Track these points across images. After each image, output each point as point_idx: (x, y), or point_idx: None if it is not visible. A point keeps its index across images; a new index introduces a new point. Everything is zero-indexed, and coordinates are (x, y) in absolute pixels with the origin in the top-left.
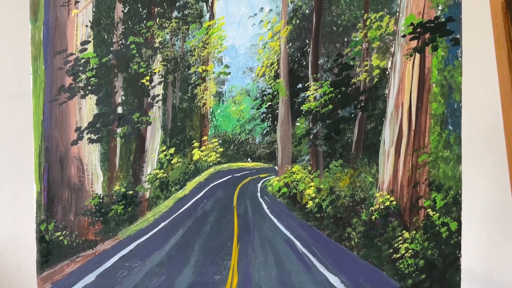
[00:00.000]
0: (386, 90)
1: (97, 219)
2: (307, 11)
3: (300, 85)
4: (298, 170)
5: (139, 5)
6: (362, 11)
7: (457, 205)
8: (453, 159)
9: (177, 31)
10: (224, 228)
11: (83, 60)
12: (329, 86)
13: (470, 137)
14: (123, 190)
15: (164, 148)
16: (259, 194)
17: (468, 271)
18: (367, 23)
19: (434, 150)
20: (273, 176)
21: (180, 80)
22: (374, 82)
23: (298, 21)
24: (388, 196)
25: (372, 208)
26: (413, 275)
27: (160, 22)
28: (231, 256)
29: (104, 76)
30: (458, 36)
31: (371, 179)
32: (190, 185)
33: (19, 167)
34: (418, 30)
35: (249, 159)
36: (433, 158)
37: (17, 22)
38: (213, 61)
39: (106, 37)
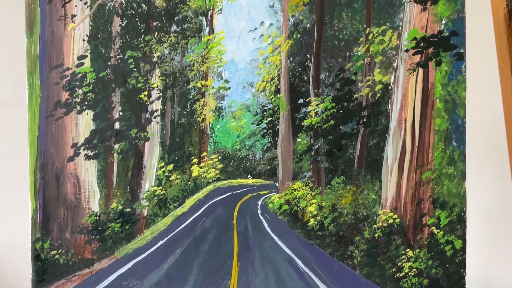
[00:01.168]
0: (389, 106)
1: (93, 237)
2: (308, 25)
3: (301, 100)
4: (299, 187)
5: (137, 19)
6: (364, 25)
7: (461, 222)
8: (458, 176)
9: (176, 45)
10: (223, 246)
11: (80, 75)
12: (330, 101)
13: (475, 154)
14: (120, 207)
15: (162, 164)
16: (259, 212)
17: None
18: (370, 37)
19: (438, 167)
20: (274, 193)
21: (179, 95)
22: (376, 97)
23: (299, 36)
24: (391, 214)
25: (375, 226)
26: None
27: (158, 36)
28: (231, 275)
29: (101, 91)
30: (462, 51)
31: (374, 196)
32: (189, 202)
33: (14, 183)
34: (422, 44)
35: (249, 176)
36: (437, 175)
37: (13, 36)
38: (212, 76)
39: (103, 51)
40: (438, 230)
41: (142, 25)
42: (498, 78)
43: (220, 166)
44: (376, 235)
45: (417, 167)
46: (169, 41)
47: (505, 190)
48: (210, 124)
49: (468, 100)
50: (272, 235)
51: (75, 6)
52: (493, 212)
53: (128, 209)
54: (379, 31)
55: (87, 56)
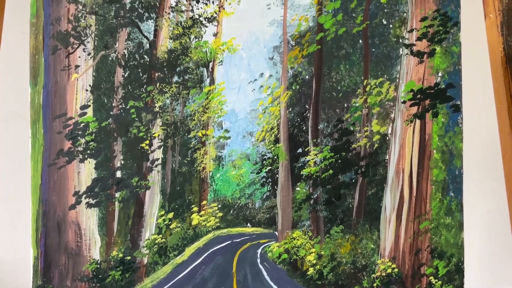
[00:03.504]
0: (387, 156)
1: (94, 285)
2: (306, 77)
3: (300, 150)
4: (298, 236)
5: (139, 70)
6: (362, 77)
7: (459, 272)
8: (455, 226)
9: (177, 95)
10: None
11: (83, 124)
12: (329, 151)
13: (472, 204)
14: (121, 255)
15: (162, 212)
16: (259, 260)
17: None
18: (367, 89)
19: (436, 217)
20: (273, 242)
21: (180, 144)
22: (374, 147)
23: (298, 87)
24: (389, 263)
25: (373, 275)
26: None
27: (160, 86)
28: None
29: (104, 140)
30: (459, 103)
31: (372, 246)
32: (189, 250)
33: (17, 233)
34: (418, 96)
35: (248, 224)
36: (435, 225)
37: (17, 85)
38: (213, 126)
39: (106, 101)
40: (436, 280)
41: (144, 76)
42: (494, 129)
43: (220, 214)
44: (374, 284)
45: (415, 217)
46: (170, 92)
47: (503, 240)
48: (210, 173)
49: (464, 151)
50: (272, 284)
51: (79, 57)
52: (491, 262)
53: (129, 257)
54: (377, 83)
55: (89, 105)
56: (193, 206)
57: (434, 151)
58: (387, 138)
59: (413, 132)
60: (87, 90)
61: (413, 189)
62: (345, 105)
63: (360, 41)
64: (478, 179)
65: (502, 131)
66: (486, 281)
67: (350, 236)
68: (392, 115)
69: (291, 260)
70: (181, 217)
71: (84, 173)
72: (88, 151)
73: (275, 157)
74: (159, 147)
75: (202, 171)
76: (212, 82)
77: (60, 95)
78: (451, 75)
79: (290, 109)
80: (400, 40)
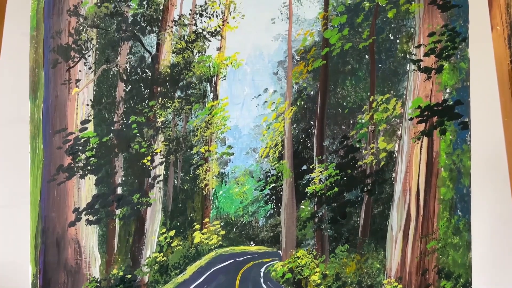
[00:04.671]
0: (393, 174)
1: None
2: (312, 93)
3: (304, 167)
4: (302, 255)
5: (141, 85)
6: (368, 93)
7: None
8: (463, 245)
9: (180, 111)
10: None
11: (83, 139)
12: (334, 169)
13: (480, 224)
14: (121, 273)
15: (164, 230)
16: (262, 280)
17: None
18: (373, 105)
19: (443, 236)
20: (277, 261)
21: (182, 160)
22: (381, 165)
23: (302, 102)
24: (396, 284)
25: None
26: None
27: (162, 101)
28: None
29: (104, 156)
30: (467, 120)
31: (378, 265)
32: (191, 269)
33: (16, 248)
34: (426, 113)
35: (252, 243)
36: (442, 245)
37: (16, 100)
38: (216, 142)
39: (107, 116)
40: None
41: (146, 91)
42: (503, 147)
43: (223, 232)
44: None
45: (422, 236)
46: (173, 107)
47: (511, 259)
48: (213, 190)
49: (473, 169)
50: None
51: (80, 71)
52: (499, 283)
53: (129, 276)
54: (383, 99)
55: (90, 120)
56: (195, 223)
57: (442, 169)
58: (394, 155)
59: (420, 149)
60: (87, 105)
61: (420, 208)
62: (351, 121)
63: (367, 56)
64: (486, 197)
65: (509, 145)
66: None
67: (356, 256)
68: (399, 132)
69: (295, 280)
70: (183, 235)
71: (84, 189)
72: (89, 167)
73: (279, 174)
74: (161, 163)
75: (205, 188)
76: (215, 97)
77: (60, 110)
78: (459, 92)
79: (294, 125)
80: (407, 56)
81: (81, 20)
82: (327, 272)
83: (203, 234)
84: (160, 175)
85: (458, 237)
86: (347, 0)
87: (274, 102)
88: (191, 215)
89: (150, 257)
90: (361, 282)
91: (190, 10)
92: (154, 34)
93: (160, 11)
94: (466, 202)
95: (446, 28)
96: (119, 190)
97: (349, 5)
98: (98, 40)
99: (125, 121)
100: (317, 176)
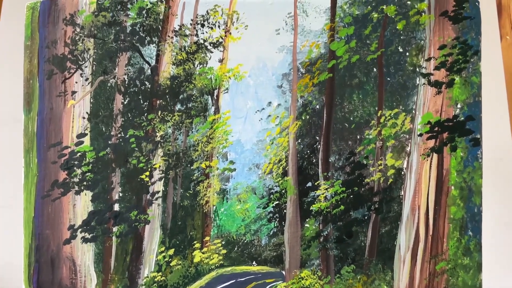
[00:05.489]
0: (402, 192)
1: None
2: (317, 107)
3: (309, 184)
4: (307, 276)
5: (140, 97)
6: (376, 108)
7: None
8: (473, 267)
9: (180, 124)
10: None
11: (79, 153)
12: (340, 186)
13: (492, 244)
14: None
15: (163, 249)
16: None
17: None
18: (381, 120)
19: (453, 257)
20: (280, 282)
21: (182, 176)
22: (388, 182)
23: (308, 117)
24: None
25: None
26: None
27: (162, 115)
28: None
29: (101, 171)
30: (478, 136)
31: (385, 287)
32: None
33: (8, 266)
34: (436, 129)
35: (254, 263)
36: (452, 266)
37: (10, 112)
38: (217, 157)
39: (104, 129)
40: None
41: (145, 103)
42: None
43: (224, 251)
44: None
45: (431, 257)
46: (173, 120)
47: None
48: (214, 207)
49: (484, 187)
50: None
51: (76, 82)
52: None
53: None
54: (392, 114)
55: (86, 134)
56: (195, 242)
57: (452, 187)
58: (402, 172)
59: (430, 166)
60: (84, 118)
61: (429, 227)
62: (358, 137)
63: (375, 69)
64: (498, 217)
65: None
66: None
67: (362, 277)
68: (408, 149)
69: None
70: (182, 254)
71: (80, 205)
72: (85, 183)
73: (283, 191)
74: (160, 179)
75: (205, 205)
76: (217, 110)
77: (56, 123)
78: (471, 107)
79: (299, 140)
80: (417, 69)
81: (78, 30)
82: None
83: (203, 253)
84: (159, 191)
85: (469, 258)
86: (354, 11)
87: (278, 116)
88: (191, 233)
89: (148, 277)
90: None
91: (191, 20)
92: (154, 44)
93: (160, 21)
94: (477, 222)
95: (457, 41)
96: (116, 207)
97: (356, 16)
98: (95, 50)
99: (123, 135)
100: (323, 194)
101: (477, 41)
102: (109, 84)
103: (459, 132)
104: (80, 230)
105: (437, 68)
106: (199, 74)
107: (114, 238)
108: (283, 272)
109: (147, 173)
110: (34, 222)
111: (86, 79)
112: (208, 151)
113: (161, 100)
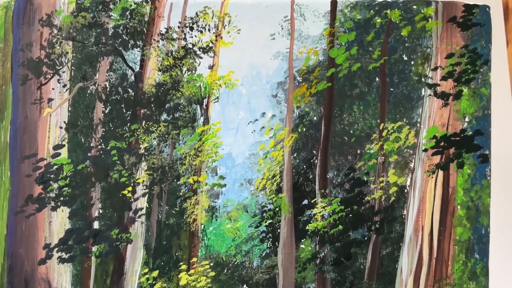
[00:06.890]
0: (405, 211)
1: None
2: (315, 118)
3: (305, 202)
4: None
5: (122, 106)
6: (378, 121)
7: None
8: None
9: (166, 136)
10: None
11: (56, 166)
12: (339, 204)
13: (499, 268)
14: None
15: (146, 270)
16: None
17: None
18: (384, 134)
19: (458, 282)
20: None
21: (168, 192)
22: (390, 201)
23: (304, 129)
24: None
25: None
26: None
27: (146, 125)
28: None
29: (80, 185)
30: (487, 152)
31: None
32: None
33: None
34: (442, 144)
35: (245, 286)
36: None
37: None
38: (206, 171)
39: (83, 140)
40: None
41: (128, 113)
42: None
43: (212, 274)
44: None
45: (435, 281)
46: (158, 131)
47: None
48: (202, 226)
49: (492, 207)
50: None
51: (52, 89)
52: None
53: None
54: (395, 128)
55: (64, 145)
56: (181, 263)
57: (458, 206)
58: (405, 190)
59: (435, 184)
60: (61, 128)
61: (434, 249)
62: (358, 151)
63: (377, 79)
64: (506, 239)
65: None
66: None
67: None
68: (412, 165)
69: None
70: (167, 276)
71: (56, 223)
72: (62, 198)
73: (276, 209)
74: (143, 195)
75: (193, 224)
76: (206, 121)
77: (30, 133)
78: (480, 121)
79: (295, 155)
80: (423, 79)
81: (55, 31)
82: None
83: (190, 275)
84: (143, 208)
85: (475, 282)
86: (356, 15)
87: (272, 128)
88: (176, 253)
89: None
90: None
91: (179, 22)
92: (138, 48)
93: (145, 23)
94: (484, 244)
95: (466, 49)
96: (96, 225)
97: (358, 21)
98: (74, 54)
99: (103, 146)
100: (320, 212)
101: (487, 49)
102: (89, 91)
103: (467, 148)
104: (56, 249)
105: (444, 78)
106: (187, 81)
107: (93, 259)
108: None
109: (130, 188)
110: (6, 240)
111: (64, 86)
112: (196, 165)
113: (145, 109)
